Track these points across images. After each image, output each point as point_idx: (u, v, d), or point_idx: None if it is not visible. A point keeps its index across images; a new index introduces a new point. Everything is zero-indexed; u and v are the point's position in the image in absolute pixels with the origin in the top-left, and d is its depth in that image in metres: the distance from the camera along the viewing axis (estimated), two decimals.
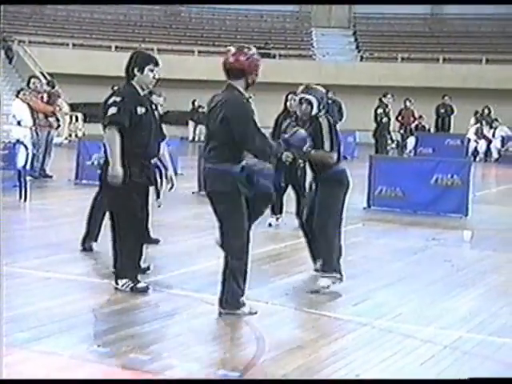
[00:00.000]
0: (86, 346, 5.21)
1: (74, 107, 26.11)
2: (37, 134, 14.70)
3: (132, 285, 6.59)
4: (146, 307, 6.28)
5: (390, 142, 22.24)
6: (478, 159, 22.02)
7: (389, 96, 21.04)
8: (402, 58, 31.47)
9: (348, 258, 7.83)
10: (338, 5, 33.69)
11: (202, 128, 28.18)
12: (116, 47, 31.56)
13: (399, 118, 23.00)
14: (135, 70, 6.71)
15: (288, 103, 10.12)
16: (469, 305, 6.68)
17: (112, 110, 6.53)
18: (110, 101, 6.60)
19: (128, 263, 6.65)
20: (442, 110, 25.02)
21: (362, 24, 34.17)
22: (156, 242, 8.69)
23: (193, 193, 13.28)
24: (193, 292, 6.72)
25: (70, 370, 4.80)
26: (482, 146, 23.06)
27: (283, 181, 10.13)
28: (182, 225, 10.25)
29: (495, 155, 22.77)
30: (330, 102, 22.25)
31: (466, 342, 5.60)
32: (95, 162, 14.11)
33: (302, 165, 10.02)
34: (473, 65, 29.96)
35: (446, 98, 25.08)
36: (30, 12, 32.49)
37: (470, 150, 22.73)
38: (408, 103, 23.12)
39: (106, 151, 6.70)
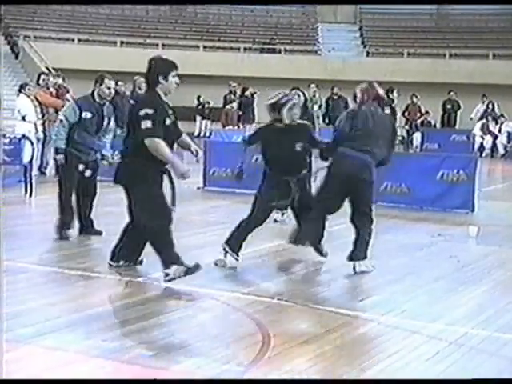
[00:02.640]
0: (91, 341, 5.20)
1: None
2: (44, 128, 14.67)
3: (184, 268, 6.65)
4: (151, 302, 6.28)
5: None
6: (484, 155, 21.98)
7: (395, 92, 20.99)
8: (409, 54, 31.39)
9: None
10: (343, 4, 33.62)
11: (207, 123, 28.19)
12: (121, 42, 31.57)
13: (405, 114, 22.96)
14: (160, 77, 6.71)
15: None
16: (474, 301, 6.66)
17: (147, 124, 6.53)
18: (142, 113, 6.56)
19: (171, 251, 6.76)
20: (449, 106, 24.98)
21: (368, 19, 34.10)
22: (99, 233, 8.92)
23: (198, 188, 13.27)
24: (198, 287, 6.71)
25: (75, 365, 4.79)
26: (488, 141, 23.01)
27: None
28: (187, 220, 10.23)
29: (501, 151, 22.72)
30: (335, 97, 22.31)
31: (472, 338, 5.58)
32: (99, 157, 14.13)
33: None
34: (479, 60, 29.89)
35: (452, 93, 25.04)
36: (35, 7, 32.49)
37: (476, 145, 22.69)
38: (414, 99, 23.08)
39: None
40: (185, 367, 4.81)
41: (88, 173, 8.88)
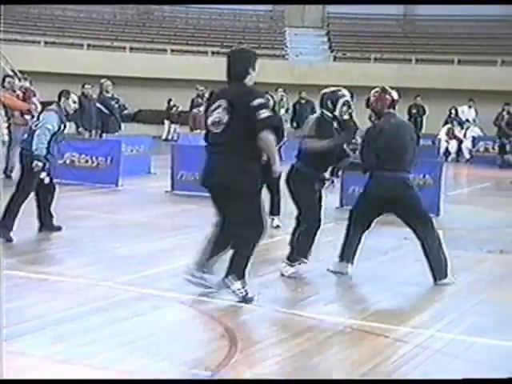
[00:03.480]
0: (57, 346, 5.18)
1: (45, 105, 25.91)
2: (9, 131, 14.54)
3: (245, 293, 6.40)
4: (119, 307, 6.26)
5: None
6: (449, 159, 22.19)
7: (354, 97, 21.06)
8: (375, 59, 31.59)
9: (320, 258, 7.87)
10: (311, 5, 33.75)
11: (176, 127, 28.12)
12: (88, 45, 31.39)
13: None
14: (250, 69, 6.47)
15: None
16: (440, 304, 6.73)
17: (266, 113, 6.22)
18: (256, 103, 6.19)
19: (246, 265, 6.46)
20: (414, 111, 25.17)
21: (335, 24, 34.25)
22: (59, 228, 9.08)
23: (165, 192, 13.25)
24: (165, 291, 6.70)
25: (41, 370, 4.76)
26: (454, 146, 23.22)
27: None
28: (155, 224, 10.23)
29: (466, 155, 22.94)
30: (302, 102, 22.40)
31: (437, 340, 5.65)
32: (67, 161, 14.08)
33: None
34: (444, 66, 30.15)
35: (418, 98, 25.24)
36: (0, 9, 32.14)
37: (442, 150, 22.89)
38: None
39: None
40: (152, 371, 4.80)
41: (47, 179, 9.06)
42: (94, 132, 16.66)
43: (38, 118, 9.25)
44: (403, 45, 32.16)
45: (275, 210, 10.17)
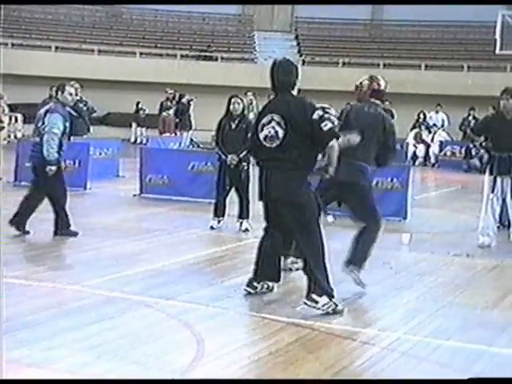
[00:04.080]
0: (24, 350, 5.14)
1: (13, 108, 25.71)
2: None
3: (334, 306, 6.31)
4: (86, 310, 6.23)
5: None
6: (416, 163, 22.36)
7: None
8: (343, 63, 31.76)
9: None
10: (281, 6, 33.86)
11: (142, 130, 28.05)
12: (56, 47, 31.18)
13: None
14: (296, 80, 6.46)
15: (231, 106, 10.13)
16: (407, 307, 6.79)
17: (329, 124, 6.24)
18: (317, 116, 6.21)
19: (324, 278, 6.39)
20: None
21: (304, 28, 34.40)
22: (76, 234, 9.28)
23: (134, 195, 13.21)
24: (133, 295, 6.69)
25: (6, 374, 4.72)
26: (421, 150, 23.40)
27: (227, 183, 10.17)
28: (123, 227, 10.19)
29: (433, 160, 23.14)
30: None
31: (404, 343, 5.69)
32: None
33: (245, 168, 10.09)
34: (412, 70, 30.40)
35: (387, 102, 25.36)
36: None
37: (409, 154, 23.06)
38: (349, 107, 23.33)
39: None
40: (120, 375, 4.79)
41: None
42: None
43: (43, 122, 9.25)
44: (371, 49, 32.40)
45: (244, 213, 10.19)
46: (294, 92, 6.48)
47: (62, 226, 9.25)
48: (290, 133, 6.28)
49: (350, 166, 7.06)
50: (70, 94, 9.35)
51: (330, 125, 6.25)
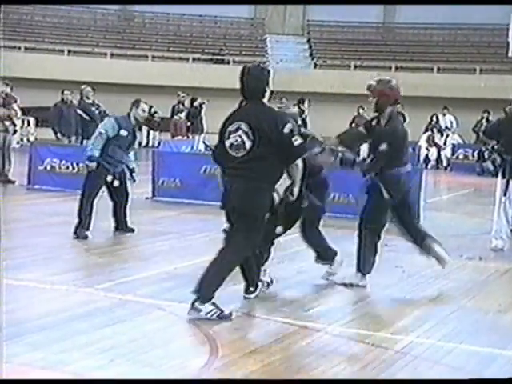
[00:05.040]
0: (37, 353, 5.16)
1: (25, 111, 25.82)
2: None
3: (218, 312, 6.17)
4: (99, 313, 6.24)
5: None
6: (429, 166, 22.30)
7: (306, 103, 21.10)
8: (355, 66, 31.76)
9: (300, 264, 7.89)
10: (293, 9, 33.88)
11: (156, 133, 28.08)
12: (69, 51, 31.32)
13: (352, 125, 23.21)
14: (267, 86, 6.26)
15: None
16: (419, 310, 6.77)
17: (299, 139, 6.07)
18: (288, 129, 6.02)
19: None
20: None
21: (316, 31, 34.41)
22: (132, 230, 9.84)
23: (146, 198, 13.24)
24: (146, 298, 6.70)
25: (21, 377, 4.74)
26: (433, 153, 23.35)
27: None
28: (136, 230, 10.19)
29: (445, 163, 23.08)
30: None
31: (417, 346, 5.68)
32: (48, 167, 14.02)
33: None
34: (424, 73, 30.36)
35: (398, 105, 25.31)
36: None
37: (422, 157, 23.01)
38: (361, 110, 23.34)
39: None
40: (132, 378, 4.79)
41: (116, 183, 9.71)
42: (73, 138, 16.60)
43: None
44: (383, 52, 32.38)
45: None
46: (265, 99, 6.26)
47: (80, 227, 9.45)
48: (258, 144, 6.04)
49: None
50: (143, 111, 9.84)
51: (300, 140, 6.07)
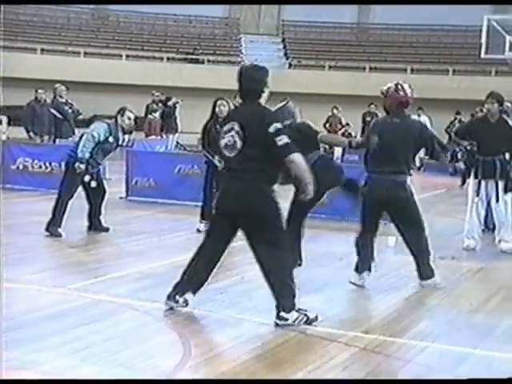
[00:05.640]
0: (9, 352, 5.12)
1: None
2: None
3: (305, 318, 6.10)
4: (73, 313, 6.22)
5: None
6: None
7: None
8: (330, 66, 31.87)
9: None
10: (268, 9, 33.93)
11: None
12: (42, 50, 31.11)
13: (326, 126, 23.29)
14: (264, 87, 6.18)
15: (217, 109, 10.11)
16: (392, 309, 6.82)
17: (285, 139, 5.89)
18: (273, 129, 5.90)
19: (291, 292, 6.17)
20: (368, 118, 25.34)
21: (291, 31, 34.49)
22: (107, 230, 9.89)
23: (120, 198, 13.19)
24: (119, 298, 6.68)
25: None
26: None
27: (214, 186, 10.18)
28: (110, 230, 10.15)
29: (418, 163, 23.18)
30: None
31: (389, 345, 5.72)
32: (20, 166, 13.94)
33: None
34: (398, 74, 30.47)
35: (373, 106, 25.46)
36: None
37: None
38: (335, 111, 23.42)
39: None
40: (106, 377, 4.78)
41: (94, 183, 9.78)
42: (46, 137, 16.50)
43: (88, 127, 9.98)
44: (357, 53, 32.53)
45: None
46: (262, 100, 6.20)
47: (52, 224, 9.48)
48: (248, 144, 5.99)
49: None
50: (129, 119, 9.97)
51: (285, 140, 5.93)
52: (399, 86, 7.52)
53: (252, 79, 6.16)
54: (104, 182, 10.18)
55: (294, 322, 6.01)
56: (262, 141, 5.95)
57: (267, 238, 6.04)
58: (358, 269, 7.50)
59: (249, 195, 6.04)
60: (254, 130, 6.00)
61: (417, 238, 7.62)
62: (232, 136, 6.07)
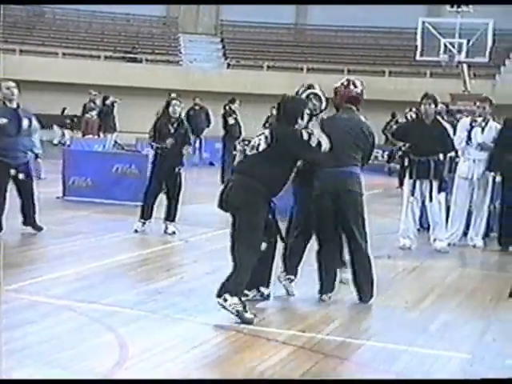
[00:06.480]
0: None
1: None
2: None
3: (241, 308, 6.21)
4: (8, 314, 6.13)
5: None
6: None
7: (236, 103, 21.16)
8: (268, 67, 32.00)
9: (214, 263, 7.91)
10: (206, 9, 33.91)
11: (66, 132, 27.65)
12: None
13: (266, 125, 23.38)
14: (299, 119, 6.57)
15: (171, 108, 10.08)
16: (329, 308, 6.88)
17: (315, 140, 6.46)
18: (306, 135, 6.44)
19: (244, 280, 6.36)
20: None
21: (229, 31, 34.52)
22: (41, 229, 9.63)
23: (57, 198, 13.05)
24: (56, 299, 6.62)
25: None
26: None
27: (159, 186, 10.15)
28: (46, 230, 10.04)
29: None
30: (196, 108, 22.48)
31: (326, 344, 5.79)
32: None
33: (181, 171, 10.10)
34: (334, 75, 30.71)
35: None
36: None
37: None
38: (274, 111, 23.51)
39: None
40: (42, 379, 4.74)
41: (21, 176, 9.37)
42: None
43: None
44: (295, 54, 32.74)
45: (172, 215, 10.19)
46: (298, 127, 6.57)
47: None
48: (273, 148, 6.41)
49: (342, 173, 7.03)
50: (7, 88, 9.39)
51: (315, 141, 6.47)
52: (351, 82, 7.51)
53: (290, 109, 6.63)
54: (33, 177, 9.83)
55: (230, 306, 6.14)
56: (287, 148, 6.41)
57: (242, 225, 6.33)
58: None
59: (242, 189, 6.37)
60: (284, 138, 6.46)
61: None
62: (259, 139, 6.54)
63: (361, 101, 7.42)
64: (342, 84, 7.48)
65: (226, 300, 6.17)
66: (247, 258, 6.33)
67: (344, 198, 6.97)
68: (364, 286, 7.06)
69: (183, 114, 11.02)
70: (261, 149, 6.47)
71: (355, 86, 7.43)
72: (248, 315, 6.18)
